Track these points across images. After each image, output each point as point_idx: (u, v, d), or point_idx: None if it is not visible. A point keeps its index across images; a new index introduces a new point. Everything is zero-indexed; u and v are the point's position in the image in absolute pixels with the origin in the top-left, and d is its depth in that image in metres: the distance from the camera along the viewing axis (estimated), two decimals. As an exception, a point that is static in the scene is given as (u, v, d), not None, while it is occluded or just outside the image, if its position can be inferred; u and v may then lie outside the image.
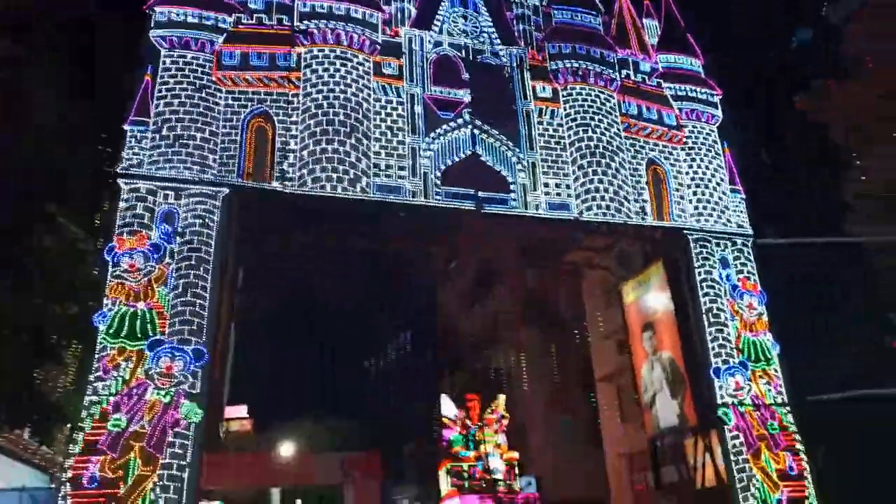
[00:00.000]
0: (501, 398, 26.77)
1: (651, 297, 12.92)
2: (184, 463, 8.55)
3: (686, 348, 11.97)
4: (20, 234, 6.84)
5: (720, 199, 13.97)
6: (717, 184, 14.14)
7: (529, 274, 33.00)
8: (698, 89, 14.67)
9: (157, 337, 9.16)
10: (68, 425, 8.23)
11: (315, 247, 13.02)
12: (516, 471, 25.29)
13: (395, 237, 13.32)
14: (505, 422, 25.58)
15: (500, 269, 33.33)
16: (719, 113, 14.72)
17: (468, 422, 24.60)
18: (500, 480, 24.07)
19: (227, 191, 10.34)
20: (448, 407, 28.21)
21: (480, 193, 12.06)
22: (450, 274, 33.45)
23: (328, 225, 12.34)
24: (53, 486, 8.40)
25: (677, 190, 13.86)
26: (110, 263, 9.36)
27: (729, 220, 13.87)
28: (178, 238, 9.85)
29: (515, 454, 25.15)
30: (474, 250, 15.04)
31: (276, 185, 10.81)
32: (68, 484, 8.10)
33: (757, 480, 11.01)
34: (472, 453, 24.00)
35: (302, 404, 38.50)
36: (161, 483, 8.36)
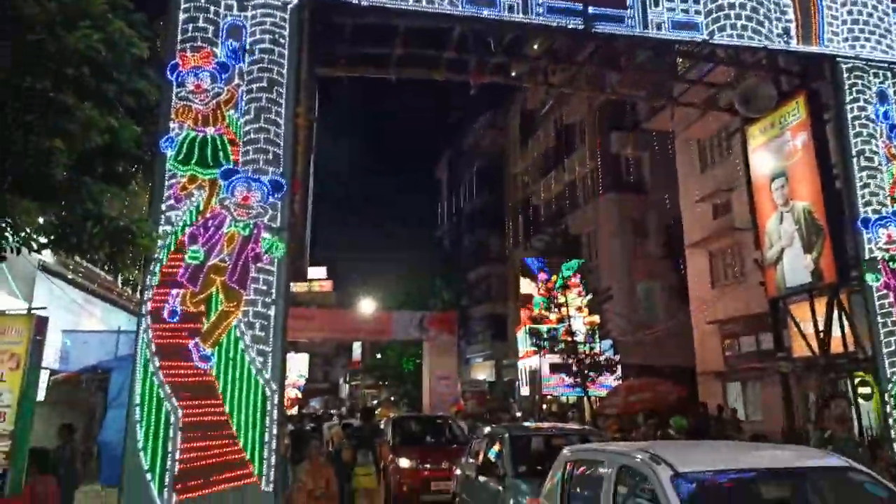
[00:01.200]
0: (584, 263, 25.70)
1: (786, 140, 10.84)
2: (269, 300, 7.79)
3: (828, 196, 10.05)
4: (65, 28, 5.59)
5: (882, 19, 11.28)
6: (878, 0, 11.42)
7: (616, 136, 30.61)
8: None
9: (231, 165, 8.15)
10: (143, 257, 7.47)
11: (389, 80, 11.44)
12: (597, 335, 24.70)
13: (482, 65, 11.50)
14: (585, 285, 24.64)
15: (586, 125, 30.94)
16: None
17: (550, 284, 23.80)
18: (582, 343, 23.56)
19: (295, 1, 8.79)
20: (529, 270, 27.43)
21: (590, 9, 10.00)
22: (539, 119, 31.27)
23: (408, 49, 10.71)
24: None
25: (829, 8, 11.24)
26: (174, 84, 8.23)
27: (891, 46, 11.28)
28: (246, 56, 8.55)
29: (596, 318, 24.43)
30: (573, 87, 13.01)
31: (351, -7, 9.14)
32: (148, 316, 7.52)
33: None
34: (554, 315, 23.42)
35: (379, 265, 38.91)
36: (246, 320, 7.67)
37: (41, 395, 8.72)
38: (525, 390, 28.54)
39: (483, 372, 40.43)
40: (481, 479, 9.15)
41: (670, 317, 26.80)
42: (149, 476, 6.84)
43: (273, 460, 7.10)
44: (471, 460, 10.63)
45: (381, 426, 13.69)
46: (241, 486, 6.93)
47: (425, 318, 27.58)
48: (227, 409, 7.22)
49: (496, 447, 9.90)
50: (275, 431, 7.23)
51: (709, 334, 22.12)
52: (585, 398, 22.24)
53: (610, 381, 22.71)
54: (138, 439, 6.97)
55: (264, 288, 7.83)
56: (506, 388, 37.30)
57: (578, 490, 5.89)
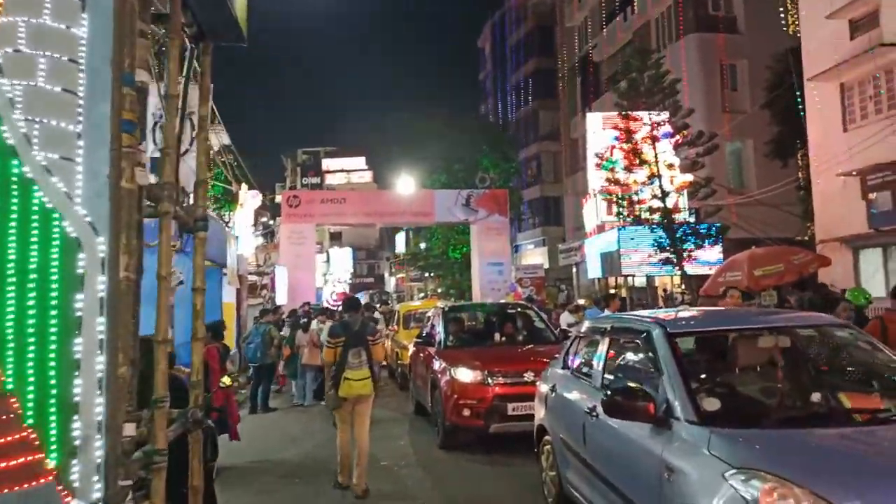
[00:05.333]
0: (667, 115, 19.64)
1: None
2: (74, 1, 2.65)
3: None
4: None
5: None
6: None
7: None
8: None
9: None
10: None
11: None
12: (684, 200, 19.15)
13: None
14: (677, 138, 18.75)
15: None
16: None
17: (633, 137, 18.03)
18: (671, 210, 18.11)
19: None
20: (596, 124, 21.54)
21: None
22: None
23: None
24: None
25: None
26: None
27: None
28: None
29: (689, 177, 18.76)
30: None
31: None
32: None
33: None
34: (641, 174, 17.84)
35: (421, 148, 33.46)
36: (6, 52, 2.58)
37: None
38: (593, 272, 23.55)
39: (535, 259, 35.75)
40: (610, 421, 4.13)
41: (769, 180, 20.97)
42: None
43: (97, 440, 2.24)
44: (565, 371, 5.68)
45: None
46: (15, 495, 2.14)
47: (472, 198, 22.56)
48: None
49: (635, 355, 4.89)
50: (98, 361, 2.32)
51: (838, 190, 16.36)
52: (681, 278, 17.08)
53: (710, 255, 17.37)
54: None
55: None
56: (561, 274, 32.68)
57: None
